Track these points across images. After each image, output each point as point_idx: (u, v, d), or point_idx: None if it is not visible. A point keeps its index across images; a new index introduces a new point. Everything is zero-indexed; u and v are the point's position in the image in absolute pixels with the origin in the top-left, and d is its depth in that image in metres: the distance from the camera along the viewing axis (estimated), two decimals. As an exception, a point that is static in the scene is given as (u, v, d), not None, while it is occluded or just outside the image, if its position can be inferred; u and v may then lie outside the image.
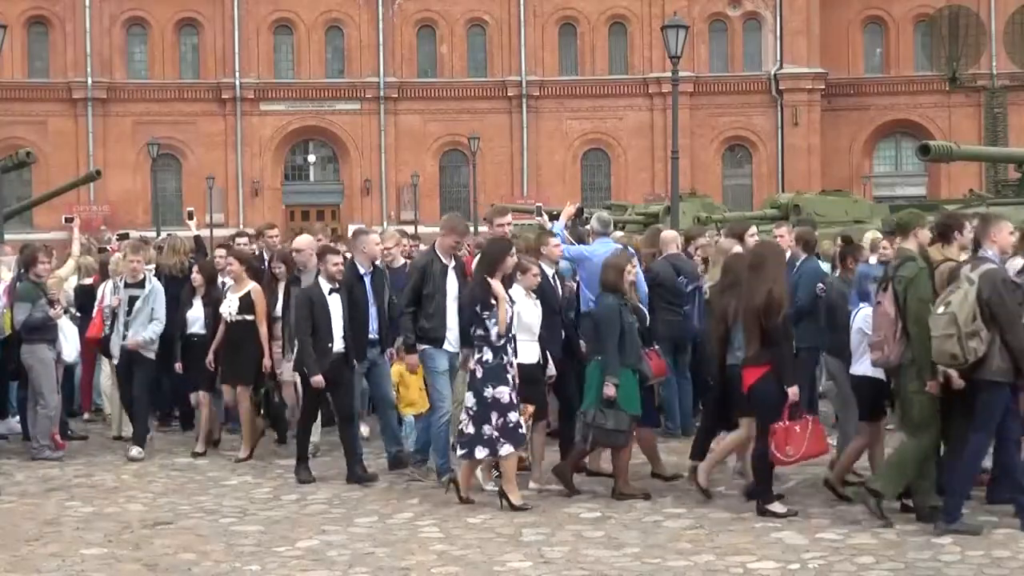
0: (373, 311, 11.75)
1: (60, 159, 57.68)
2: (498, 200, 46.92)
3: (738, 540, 9.01)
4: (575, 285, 12.98)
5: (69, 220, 17.05)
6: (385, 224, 52.78)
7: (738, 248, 11.42)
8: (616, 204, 39.03)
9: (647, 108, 62.34)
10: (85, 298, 14.49)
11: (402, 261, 13.53)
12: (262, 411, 13.12)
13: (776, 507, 9.68)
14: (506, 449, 10.10)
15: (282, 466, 12.03)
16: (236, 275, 12.83)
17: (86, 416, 15.21)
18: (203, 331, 13.07)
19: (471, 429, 10.16)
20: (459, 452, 10.35)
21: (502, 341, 10.16)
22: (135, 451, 12.65)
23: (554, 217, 14.98)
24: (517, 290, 10.59)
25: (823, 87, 61.80)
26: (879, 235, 14.15)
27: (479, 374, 10.18)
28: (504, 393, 10.11)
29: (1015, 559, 8.41)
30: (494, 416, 10.09)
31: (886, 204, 33.80)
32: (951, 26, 50.81)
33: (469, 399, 10.23)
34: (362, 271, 11.77)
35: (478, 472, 10.67)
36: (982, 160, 41.11)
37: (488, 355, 10.15)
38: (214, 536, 9.44)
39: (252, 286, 12.75)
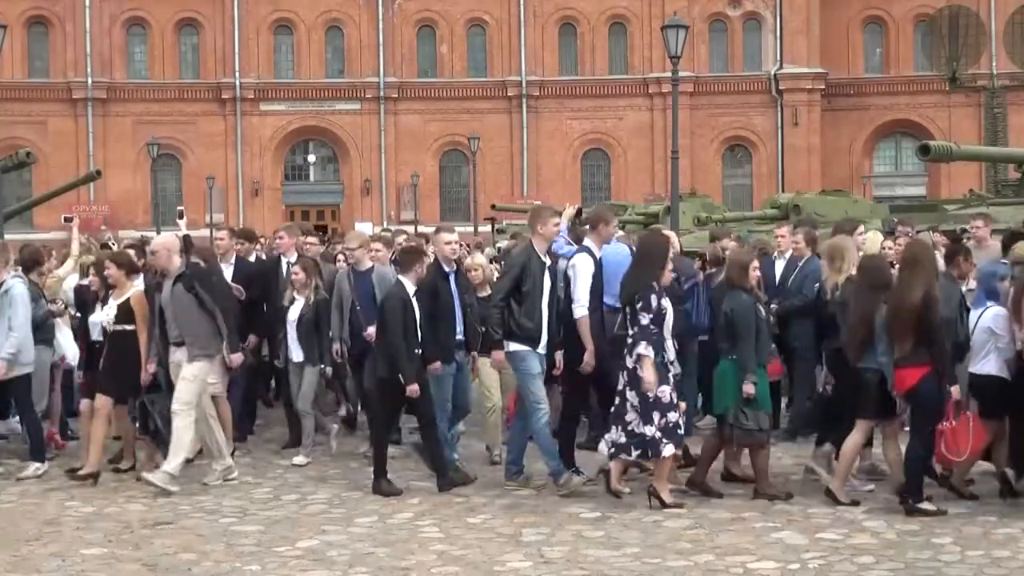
0: (458, 312, 11.38)
1: (60, 159, 57.72)
2: (498, 200, 46.97)
3: (738, 540, 9.01)
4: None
5: (69, 220, 17.00)
6: (385, 223, 52.80)
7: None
8: (616, 204, 38.98)
9: (647, 108, 62.37)
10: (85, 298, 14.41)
11: (368, 264, 12.92)
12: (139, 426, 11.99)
13: (927, 506, 9.58)
14: (668, 449, 9.90)
15: (282, 466, 12.03)
16: (116, 280, 11.84)
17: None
18: (101, 338, 12.09)
19: (639, 429, 9.94)
20: (612, 451, 10.14)
21: (663, 340, 9.95)
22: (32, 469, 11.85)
23: None
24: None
25: (823, 87, 61.86)
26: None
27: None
28: (665, 392, 9.90)
29: (1015, 559, 8.40)
30: (656, 416, 9.87)
31: (886, 204, 33.76)
32: (951, 26, 50.82)
33: (633, 398, 9.98)
34: (447, 270, 11.37)
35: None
36: (982, 160, 41.11)
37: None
38: (214, 536, 9.43)
39: (133, 292, 11.77)
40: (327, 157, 64.28)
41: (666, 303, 10.10)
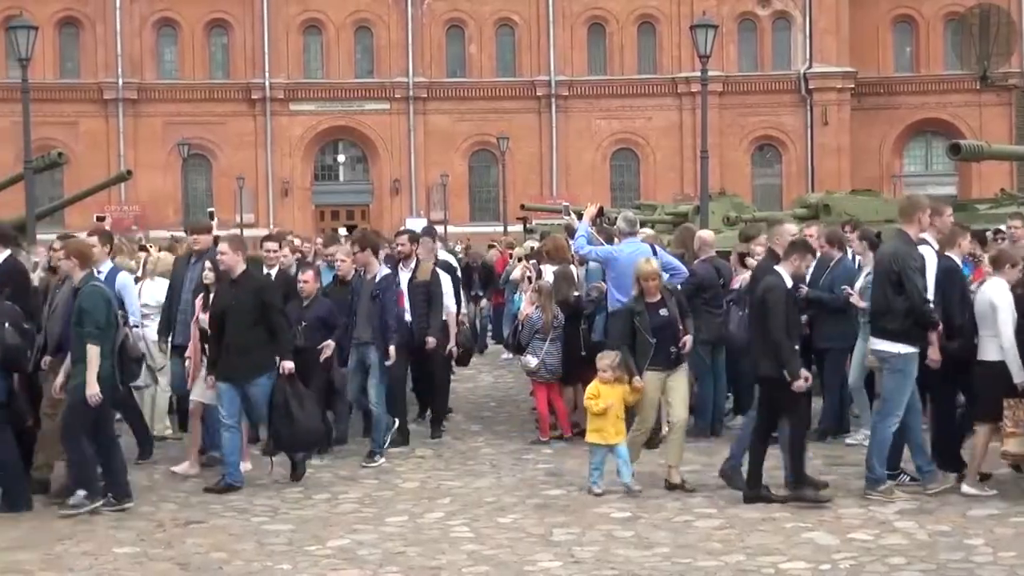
0: None
1: (91, 159, 57.92)
2: (528, 200, 46.94)
3: (769, 540, 8.99)
4: (603, 286, 12.93)
5: (100, 219, 17.11)
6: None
7: None
8: (645, 204, 38.89)
9: (676, 108, 62.26)
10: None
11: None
12: None
13: None
14: None
15: (313, 465, 11.95)
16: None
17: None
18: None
19: None
20: None
21: None
22: None
23: (579, 216, 14.81)
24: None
25: (853, 86, 61.60)
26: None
27: None
28: None
29: (1048, 560, 8.37)
30: None
31: (916, 203, 33.61)
32: (982, 24, 50.56)
33: None
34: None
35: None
36: (1013, 159, 40.74)
37: None
38: (245, 535, 9.47)
39: None
40: (356, 157, 64.40)
41: None
